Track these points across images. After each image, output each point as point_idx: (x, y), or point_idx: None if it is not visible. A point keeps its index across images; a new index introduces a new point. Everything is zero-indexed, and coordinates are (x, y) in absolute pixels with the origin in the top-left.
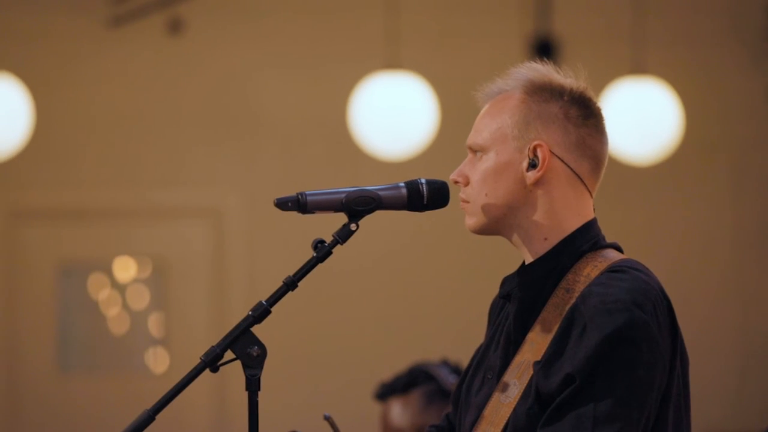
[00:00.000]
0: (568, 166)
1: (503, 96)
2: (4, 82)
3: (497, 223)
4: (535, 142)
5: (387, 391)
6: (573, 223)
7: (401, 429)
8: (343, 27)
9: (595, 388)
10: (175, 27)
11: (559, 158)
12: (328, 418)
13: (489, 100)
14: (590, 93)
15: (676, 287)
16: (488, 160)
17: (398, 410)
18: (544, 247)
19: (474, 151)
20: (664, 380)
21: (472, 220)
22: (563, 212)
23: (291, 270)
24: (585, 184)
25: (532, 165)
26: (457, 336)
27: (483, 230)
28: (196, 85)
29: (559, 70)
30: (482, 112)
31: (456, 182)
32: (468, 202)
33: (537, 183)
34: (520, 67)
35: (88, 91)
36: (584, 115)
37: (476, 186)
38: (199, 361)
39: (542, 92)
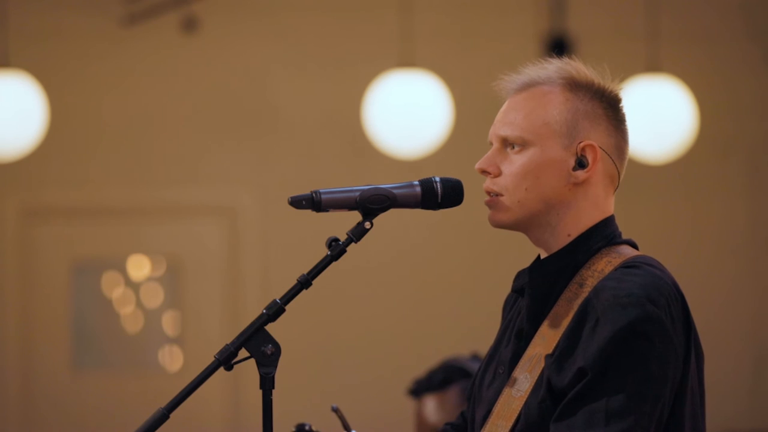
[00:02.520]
0: (616, 167)
1: (541, 90)
2: (18, 80)
3: (529, 220)
4: (586, 142)
5: (422, 388)
6: (594, 219)
7: (439, 426)
8: (358, 25)
9: (607, 382)
10: (190, 25)
11: (610, 158)
12: (335, 410)
13: (518, 91)
14: (621, 96)
15: (689, 285)
16: (531, 155)
17: (434, 407)
18: (565, 243)
19: (509, 142)
20: (677, 375)
21: (503, 215)
22: (590, 210)
23: (305, 268)
24: (616, 185)
25: (580, 164)
26: (473, 333)
27: (513, 226)
28: (210, 83)
29: (589, 68)
30: (513, 102)
31: (484, 172)
32: (501, 194)
33: (581, 182)
34: (553, 61)
35: (103, 90)
36: (619, 118)
37: (513, 179)
38: (213, 359)
39: (585, 90)
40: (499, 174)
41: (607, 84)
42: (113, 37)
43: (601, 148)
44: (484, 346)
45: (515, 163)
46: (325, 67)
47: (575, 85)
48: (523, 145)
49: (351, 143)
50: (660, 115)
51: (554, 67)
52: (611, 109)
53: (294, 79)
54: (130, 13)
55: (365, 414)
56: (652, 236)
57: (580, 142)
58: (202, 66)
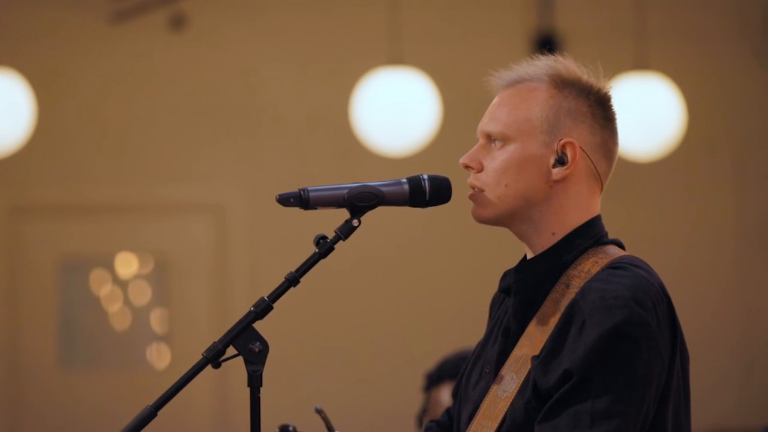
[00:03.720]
0: (595, 167)
1: (528, 87)
2: (7, 78)
3: (510, 216)
4: (566, 139)
5: (442, 375)
6: (580, 219)
7: None
8: (346, 23)
9: (593, 384)
10: (178, 23)
11: (588, 157)
12: (319, 411)
13: (506, 87)
14: (611, 94)
15: (679, 283)
16: (512, 151)
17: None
18: (550, 242)
19: (492, 138)
20: (663, 377)
21: (484, 210)
22: (575, 209)
23: (293, 266)
24: (601, 183)
25: (560, 161)
26: (464, 332)
27: (494, 221)
28: (199, 81)
29: (580, 65)
30: (500, 98)
31: (467, 167)
32: (483, 190)
33: (560, 179)
34: (544, 59)
35: (90, 88)
36: (607, 116)
37: (494, 175)
38: (201, 357)
39: (571, 88)
40: (481, 169)
41: (596, 82)
42: (101, 35)
43: (581, 147)
44: (474, 345)
45: (497, 158)
46: (313, 64)
47: (561, 83)
48: (504, 140)
49: (339, 141)
50: (648, 113)
51: (543, 63)
52: (598, 107)
53: (282, 76)
54: (118, 11)
55: (354, 412)
56: (640, 233)
57: (560, 140)
58: (190, 64)
